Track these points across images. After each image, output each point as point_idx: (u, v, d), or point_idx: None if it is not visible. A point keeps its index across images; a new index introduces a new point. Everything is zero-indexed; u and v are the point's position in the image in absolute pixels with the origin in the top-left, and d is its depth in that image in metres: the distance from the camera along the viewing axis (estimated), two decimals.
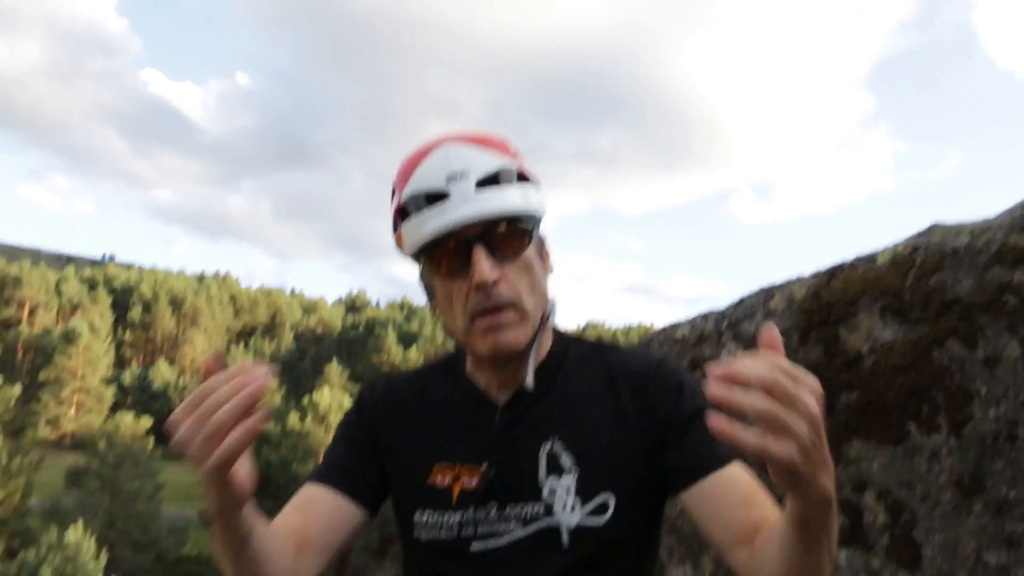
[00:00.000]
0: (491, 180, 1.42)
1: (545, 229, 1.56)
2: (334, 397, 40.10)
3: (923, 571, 2.09)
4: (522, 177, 1.47)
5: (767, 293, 2.58)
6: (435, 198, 1.42)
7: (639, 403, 1.49)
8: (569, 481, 1.45)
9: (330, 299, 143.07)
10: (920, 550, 2.10)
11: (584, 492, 1.44)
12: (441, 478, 1.52)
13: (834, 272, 2.42)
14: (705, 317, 2.79)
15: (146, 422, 46.23)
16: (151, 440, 45.33)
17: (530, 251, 1.48)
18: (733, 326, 2.61)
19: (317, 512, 1.53)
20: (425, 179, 1.43)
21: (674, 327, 2.91)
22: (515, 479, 1.47)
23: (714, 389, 0.95)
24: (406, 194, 1.45)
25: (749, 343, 2.52)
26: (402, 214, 1.48)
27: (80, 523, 30.32)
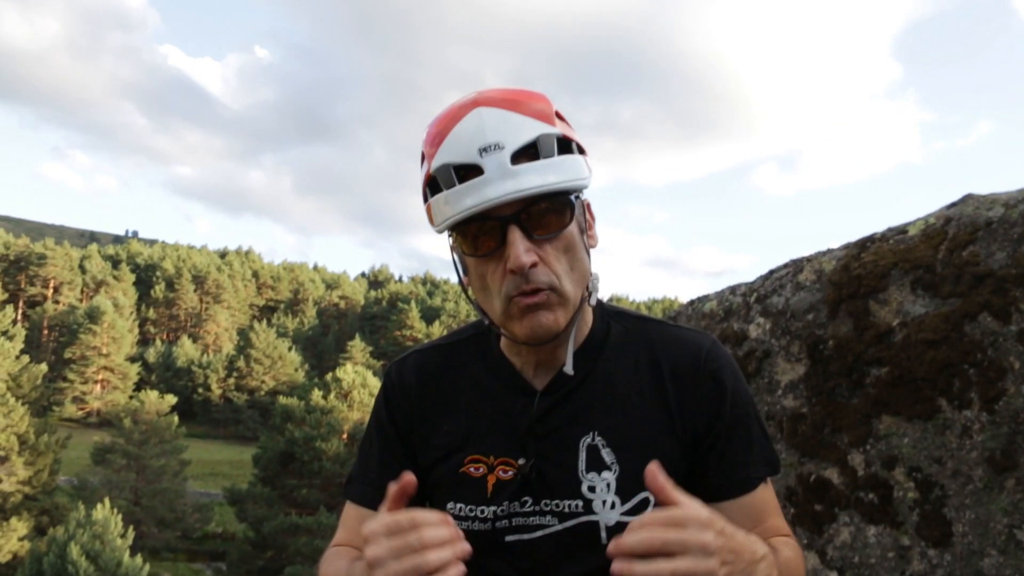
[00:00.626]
0: (529, 151, 1.31)
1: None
2: (357, 373, 40.20)
3: (953, 548, 2.05)
4: (564, 144, 1.35)
5: (796, 266, 2.54)
6: (467, 172, 1.31)
7: (683, 398, 1.44)
8: (609, 478, 1.40)
9: (352, 274, 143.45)
10: (951, 527, 2.06)
11: (624, 490, 1.40)
12: (475, 469, 1.46)
13: (864, 244, 2.37)
14: (733, 290, 2.75)
15: (171, 400, 46.57)
16: (175, 418, 45.68)
17: (572, 227, 1.37)
18: (761, 300, 2.56)
19: None
20: (456, 149, 1.32)
21: (702, 300, 2.87)
22: (553, 473, 1.42)
23: (617, 568, 1.03)
24: (435, 165, 1.34)
25: (778, 317, 2.47)
26: (431, 185, 1.38)
27: (107, 500, 30.60)
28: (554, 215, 1.34)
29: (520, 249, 1.30)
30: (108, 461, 42.87)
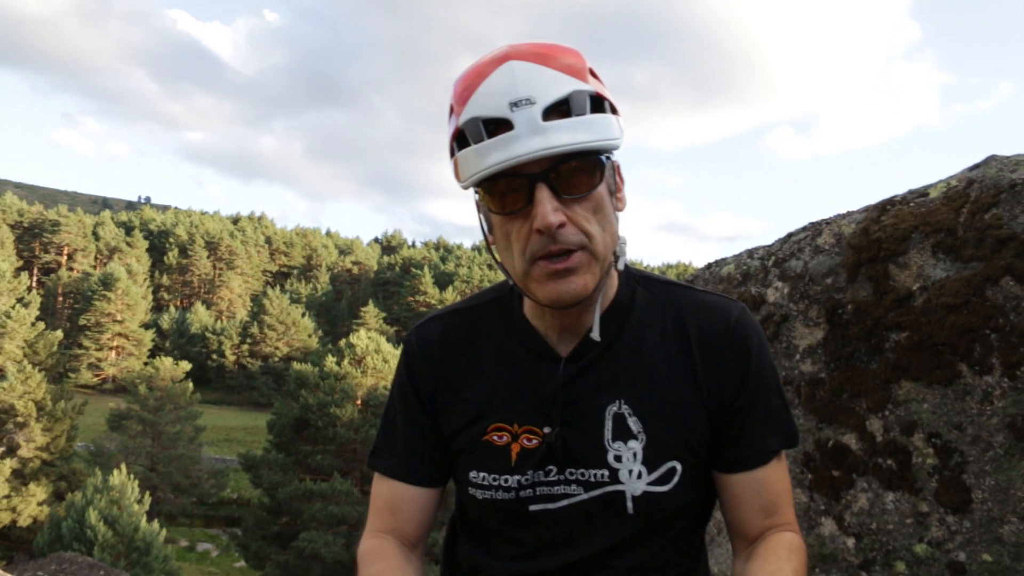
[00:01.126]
0: (560, 108, 1.26)
1: (619, 157, 1.38)
2: (371, 339, 40.30)
3: (973, 515, 2.04)
4: (597, 102, 1.30)
5: (815, 229, 2.50)
6: (496, 126, 1.27)
7: (710, 366, 1.42)
8: (636, 447, 1.38)
9: (365, 239, 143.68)
10: (970, 494, 2.04)
11: (650, 459, 1.39)
12: (498, 437, 1.44)
13: (884, 207, 2.34)
14: (751, 254, 2.71)
15: (185, 366, 46.83)
16: (190, 384, 45.95)
17: (601, 188, 1.32)
18: (780, 263, 2.53)
19: (407, 515, 1.54)
20: (485, 103, 1.27)
21: (719, 264, 2.84)
22: (578, 442, 1.40)
23: None
24: (464, 118, 1.30)
25: (796, 281, 2.44)
26: (459, 139, 1.34)
27: (123, 466, 30.81)
28: (584, 175, 1.30)
29: (548, 208, 1.26)
30: (124, 427, 43.20)
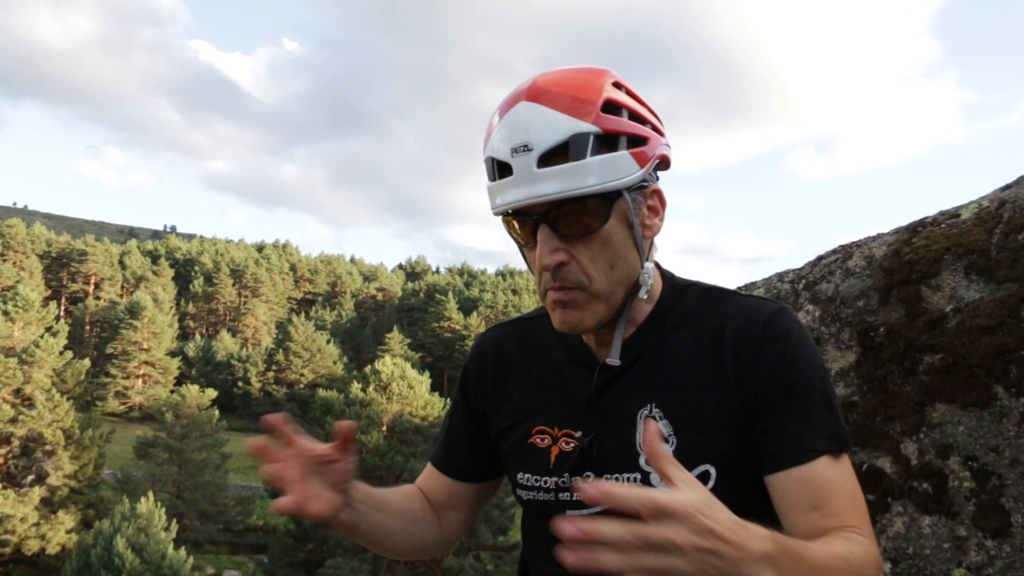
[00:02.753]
0: (557, 153, 1.28)
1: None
2: (396, 365, 40.35)
3: (1013, 539, 2.01)
4: (605, 140, 1.30)
5: (845, 251, 2.49)
6: (503, 170, 1.33)
7: (741, 364, 1.39)
8: (667, 451, 1.35)
9: (389, 266, 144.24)
10: (1009, 517, 2.02)
11: (682, 463, 1.36)
12: (541, 439, 1.50)
13: (915, 229, 2.32)
14: (781, 277, 2.70)
15: (211, 393, 47.01)
16: (216, 411, 46.11)
17: (610, 225, 1.33)
18: (810, 286, 2.52)
19: (439, 500, 1.68)
20: (496, 145, 1.34)
21: (749, 288, 2.83)
22: (611, 446, 1.43)
23: (569, 557, 0.93)
24: (486, 154, 1.38)
25: (827, 304, 2.43)
26: (487, 170, 1.40)
27: (150, 494, 30.98)
28: (586, 216, 1.32)
29: (545, 249, 1.32)
30: (151, 455, 43.37)
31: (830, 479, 1.34)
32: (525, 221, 1.35)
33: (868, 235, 2.49)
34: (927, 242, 2.23)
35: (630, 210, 1.37)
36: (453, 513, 1.69)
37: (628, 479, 1.40)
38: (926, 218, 2.34)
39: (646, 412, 1.41)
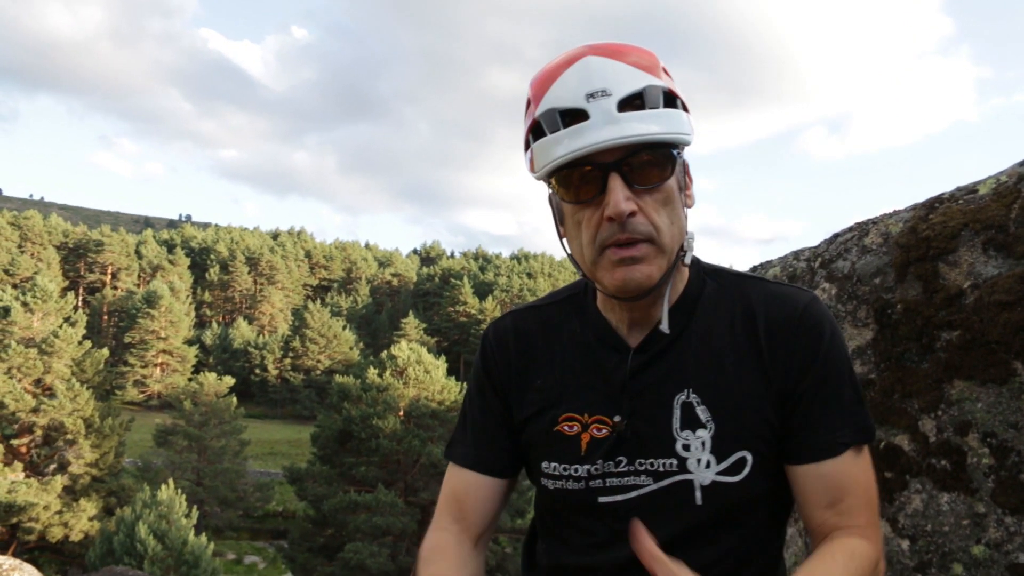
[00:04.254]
0: (635, 101, 1.31)
1: (689, 156, 1.42)
2: (412, 350, 40.36)
3: None
4: (669, 98, 1.34)
5: (861, 229, 2.48)
6: (572, 117, 1.31)
7: (776, 354, 1.41)
8: (704, 436, 1.38)
9: (404, 251, 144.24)
10: None
11: (719, 449, 1.38)
12: (569, 427, 1.47)
13: (932, 205, 2.31)
14: (797, 256, 2.69)
15: (229, 381, 47.20)
16: (234, 399, 46.30)
17: (672, 181, 1.35)
18: (826, 264, 2.51)
19: (473, 505, 1.57)
20: (562, 95, 1.32)
21: (764, 267, 2.83)
22: (647, 431, 1.41)
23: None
24: (540, 109, 1.35)
25: (843, 281, 2.42)
26: (535, 131, 1.38)
27: (171, 481, 31.09)
28: (655, 167, 1.33)
29: (620, 196, 1.29)
30: (170, 443, 43.59)
31: (849, 475, 1.39)
32: (589, 173, 1.33)
33: (885, 212, 2.48)
34: (944, 218, 2.22)
35: (682, 172, 1.41)
36: (488, 524, 1.58)
37: (664, 464, 1.39)
38: (943, 194, 2.33)
39: (683, 397, 1.41)
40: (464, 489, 1.57)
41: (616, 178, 1.30)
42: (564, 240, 1.46)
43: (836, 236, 2.58)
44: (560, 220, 1.45)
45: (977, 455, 2.10)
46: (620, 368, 1.45)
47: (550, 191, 1.44)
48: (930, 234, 2.22)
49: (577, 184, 1.35)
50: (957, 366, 2.13)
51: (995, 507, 2.06)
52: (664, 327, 1.40)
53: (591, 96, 1.29)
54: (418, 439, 35.77)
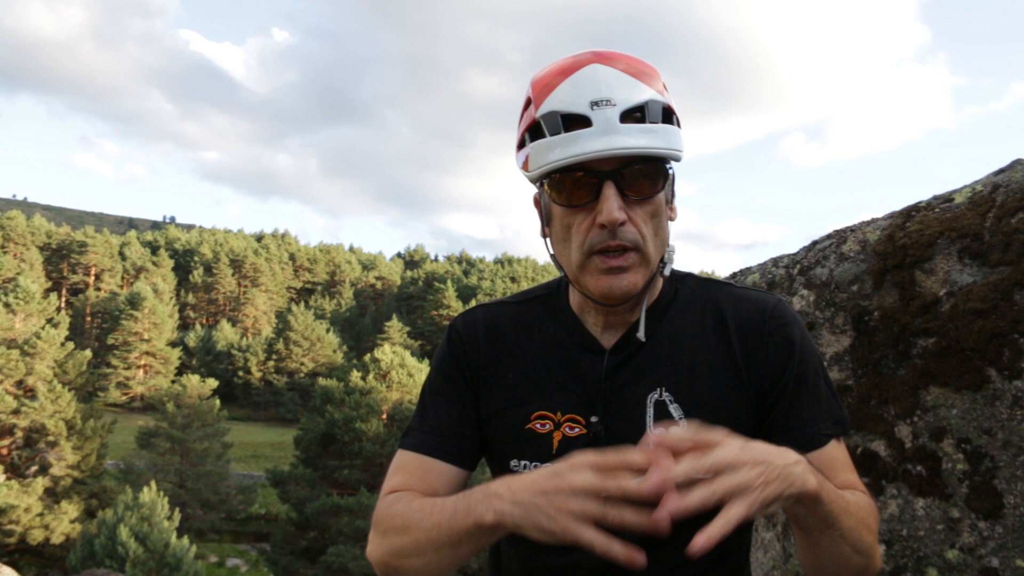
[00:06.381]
0: (636, 113, 1.33)
1: (677, 171, 1.44)
2: (396, 353, 40.35)
3: (1005, 520, 2.03)
4: (667, 113, 1.37)
5: (839, 236, 2.50)
6: (574, 122, 1.33)
7: (749, 354, 1.45)
8: None
9: (388, 254, 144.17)
10: (1002, 499, 2.03)
11: None
12: (541, 425, 1.47)
13: (909, 213, 2.34)
14: (776, 262, 2.71)
15: (212, 383, 47.03)
16: (217, 401, 46.13)
17: (661, 195, 1.39)
18: (805, 271, 2.53)
19: (431, 485, 1.49)
20: (566, 99, 1.34)
21: (744, 273, 2.85)
22: (621, 430, 1.42)
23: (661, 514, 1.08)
24: (543, 111, 1.36)
25: (822, 288, 2.44)
26: (533, 131, 1.39)
27: (153, 483, 31.01)
28: (648, 180, 1.36)
29: (614, 204, 1.32)
30: (153, 445, 43.42)
31: (837, 459, 1.45)
32: (584, 179, 1.35)
33: (862, 220, 2.51)
34: (921, 226, 2.25)
35: (670, 186, 1.44)
36: None
37: None
38: (920, 202, 2.36)
39: (656, 396, 1.43)
40: (420, 475, 1.50)
41: (611, 187, 1.32)
42: (548, 240, 1.48)
43: (815, 243, 2.60)
44: (547, 221, 1.46)
45: (952, 461, 2.12)
46: (595, 368, 1.46)
47: (538, 192, 1.47)
48: (907, 242, 2.25)
49: (571, 189, 1.36)
50: (933, 373, 2.16)
51: (969, 512, 2.09)
52: (641, 335, 1.43)
53: (595, 104, 1.31)
54: None
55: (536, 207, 1.50)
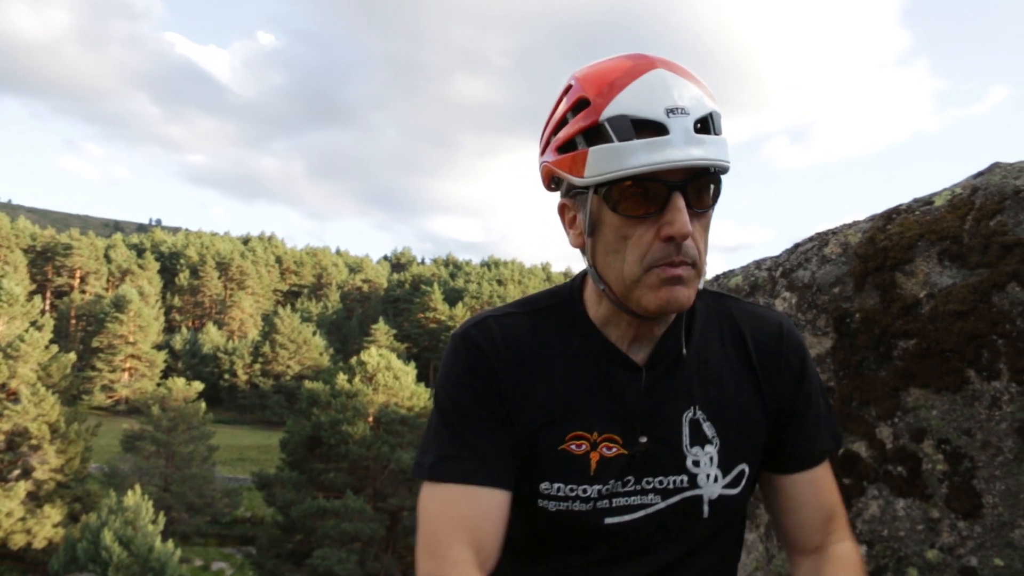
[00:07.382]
0: (707, 124, 1.27)
1: None
2: (382, 356, 40.28)
3: (984, 520, 2.04)
4: (719, 126, 1.30)
5: (821, 239, 2.51)
6: (649, 129, 1.23)
7: (768, 372, 1.47)
8: (712, 451, 1.40)
9: (374, 257, 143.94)
10: (981, 499, 2.05)
11: (724, 463, 1.42)
12: (577, 446, 1.39)
13: (890, 216, 2.35)
14: (758, 265, 2.72)
15: (197, 386, 46.88)
16: (203, 404, 46.00)
17: (713, 208, 1.33)
18: (787, 274, 2.54)
19: (491, 527, 1.36)
20: (636, 104, 1.24)
21: (727, 275, 2.85)
22: (658, 449, 1.39)
23: None
24: (610, 113, 1.25)
25: (803, 291, 2.46)
26: (591, 134, 1.28)
27: (137, 487, 30.91)
28: (708, 193, 1.30)
29: (686, 218, 1.24)
30: (138, 448, 43.26)
31: (829, 479, 1.51)
32: (654, 189, 1.26)
33: (845, 223, 2.53)
34: (901, 229, 2.26)
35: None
36: (495, 560, 1.37)
37: (674, 482, 1.40)
38: (900, 205, 2.37)
39: (690, 415, 1.41)
40: (479, 512, 1.35)
41: (680, 198, 1.25)
42: (587, 251, 1.38)
43: (797, 246, 2.61)
44: (591, 231, 1.35)
45: (932, 461, 2.13)
46: (632, 386, 1.40)
47: (574, 200, 1.38)
48: (888, 244, 2.26)
49: (638, 199, 1.27)
50: (913, 374, 2.17)
51: (948, 512, 2.10)
52: (684, 351, 1.42)
53: (671, 112, 1.23)
54: (387, 445, 35.69)
55: (562, 215, 1.42)
